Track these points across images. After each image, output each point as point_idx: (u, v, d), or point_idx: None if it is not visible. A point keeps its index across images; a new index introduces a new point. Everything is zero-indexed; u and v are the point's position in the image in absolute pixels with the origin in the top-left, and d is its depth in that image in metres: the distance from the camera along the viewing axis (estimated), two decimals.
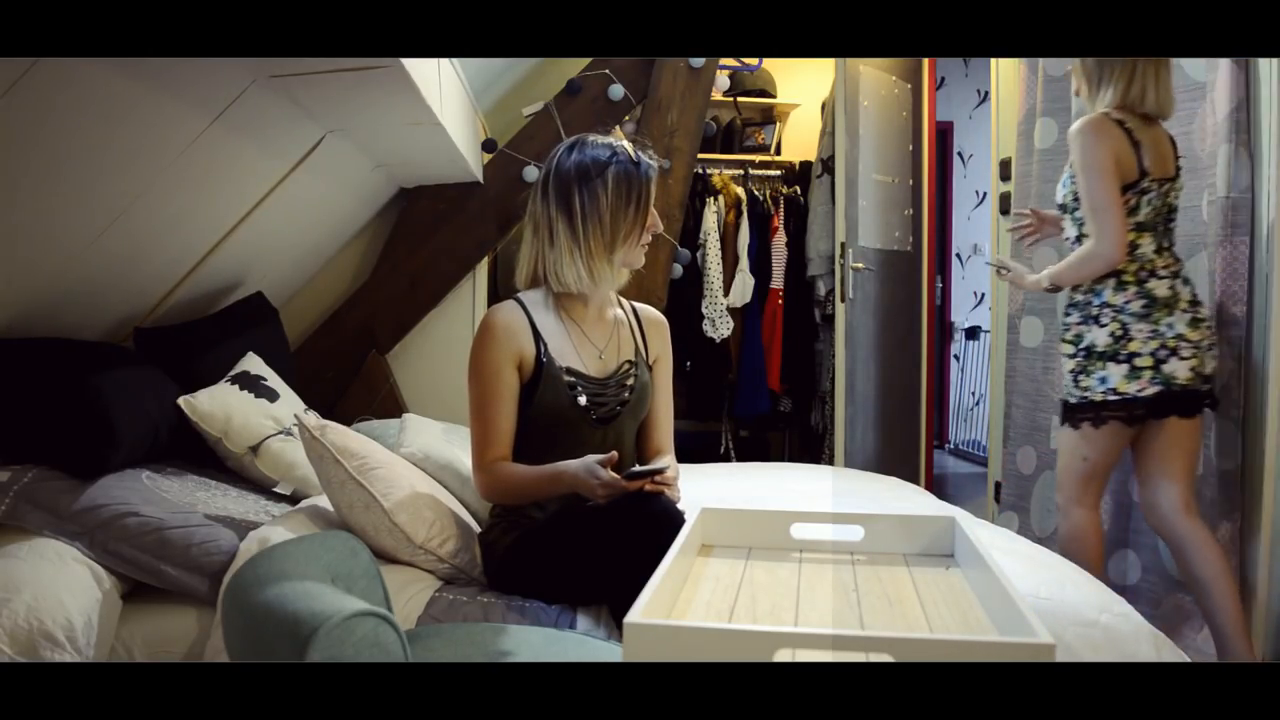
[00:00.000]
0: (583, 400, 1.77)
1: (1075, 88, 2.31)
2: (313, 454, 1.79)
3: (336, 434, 1.80)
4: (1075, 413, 2.24)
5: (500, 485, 1.74)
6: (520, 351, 1.76)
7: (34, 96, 1.39)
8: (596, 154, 1.77)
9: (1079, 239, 2.25)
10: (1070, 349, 2.25)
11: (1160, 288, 2.16)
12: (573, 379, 1.78)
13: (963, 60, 5.79)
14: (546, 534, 1.72)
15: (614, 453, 1.64)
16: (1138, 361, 2.13)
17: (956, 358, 6.01)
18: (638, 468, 1.64)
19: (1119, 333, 2.15)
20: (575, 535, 1.68)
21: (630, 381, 1.85)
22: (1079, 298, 2.25)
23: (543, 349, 1.77)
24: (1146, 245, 2.19)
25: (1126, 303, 2.16)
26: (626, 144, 1.81)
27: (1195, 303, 2.19)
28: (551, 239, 1.77)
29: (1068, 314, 2.30)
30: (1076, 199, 2.22)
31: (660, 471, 1.63)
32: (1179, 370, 2.12)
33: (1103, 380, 2.17)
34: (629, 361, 1.87)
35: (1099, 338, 2.18)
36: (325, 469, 1.77)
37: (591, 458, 1.65)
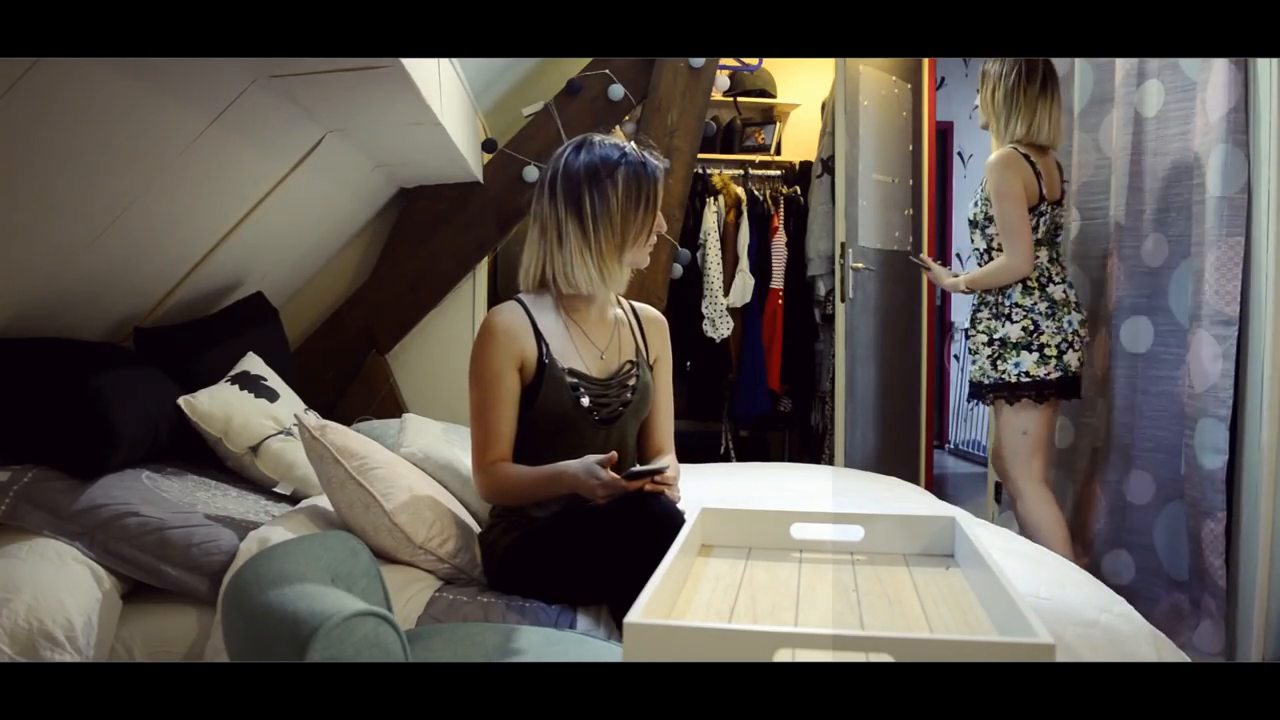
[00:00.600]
0: (585, 401, 1.77)
1: (982, 122, 2.69)
2: (313, 454, 1.79)
3: (336, 434, 1.80)
4: (990, 391, 2.64)
5: (500, 486, 1.74)
6: (522, 354, 1.75)
7: (34, 96, 1.39)
8: (606, 154, 1.76)
9: (987, 251, 2.65)
10: (984, 338, 2.65)
11: (1058, 291, 2.58)
12: (575, 380, 1.78)
13: (963, 60, 5.79)
14: (546, 534, 1.72)
15: (613, 453, 1.64)
16: (1046, 351, 2.56)
17: (956, 358, 6.00)
18: (638, 468, 1.64)
19: (1030, 328, 2.57)
20: (575, 535, 1.68)
21: (632, 382, 1.85)
22: (990, 298, 2.65)
23: (545, 350, 1.77)
24: (1043, 256, 2.60)
25: (1034, 304, 2.58)
26: (633, 144, 1.81)
27: (1079, 305, 2.63)
28: (560, 240, 1.76)
29: (978, 310, 2.69)
30: (987, 218, 2.62)
31: (660, 471, 1.63)
32: (1073, 360, 2.57)
33: (1017, 365, 2.58)
34: (630, 362, 1.87)
35: (1012, 331, 2.59)
36: (325, 469, 1.77)
37: (591, 458, 1.65)
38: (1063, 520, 2.58)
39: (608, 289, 1.81)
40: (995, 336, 2.61)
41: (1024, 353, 2.56)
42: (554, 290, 1.82)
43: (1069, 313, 2.56)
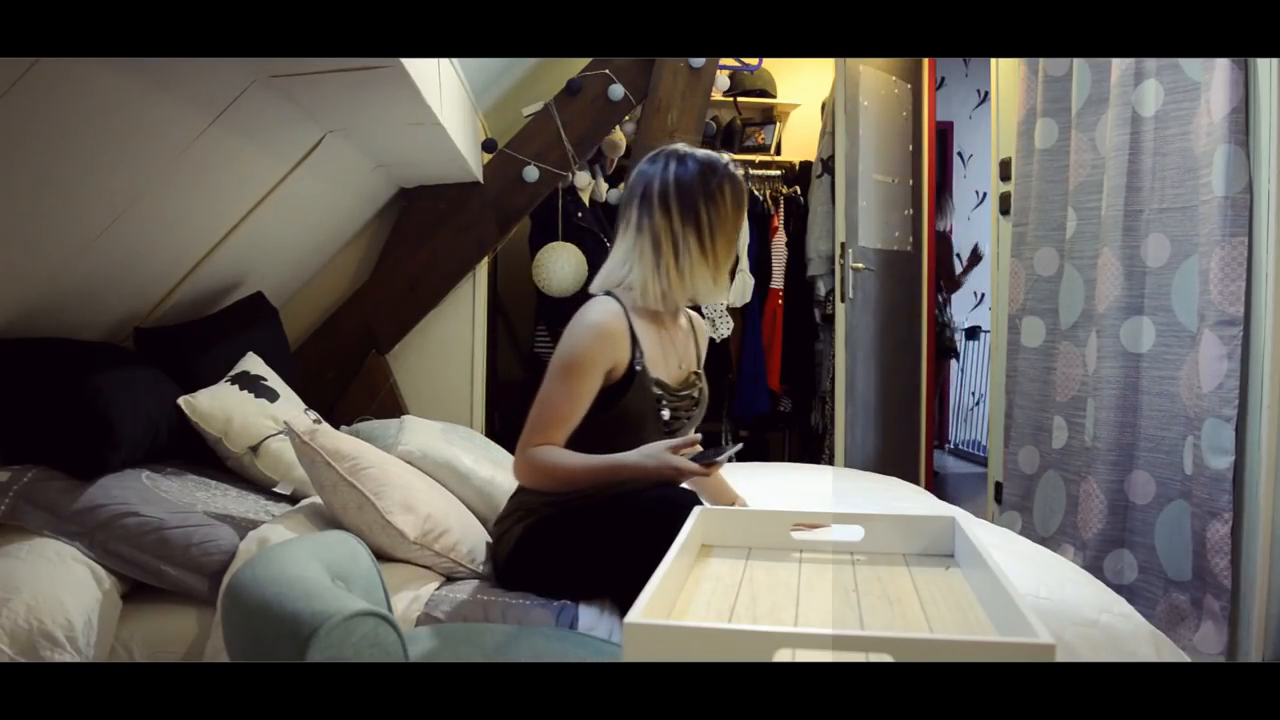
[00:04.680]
0: (666, 414, 1.77)
1: None
2: (304, 458, 1.79)
3: (327, 437, 1.80)
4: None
5: (545, 468, 1.67)
6: (617, 360, 1.72)
7: (34, 96, 1.39)
8: (710, 162, 1.77)
9: None
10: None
11: None
12: (660, 391, 1.77)
13: (963, 60, 5.79)
14: (557, 525, 1.72)
15: (693, 437, 1.68)
16: None
17: (957, 357, 6.00)
18: (713, 452, 1.65)
19: None
20: (587, 526, 1.68)
21: (696, 394, 1.86)
22: None
23: (637, 356, 1.75)
24: None
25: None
26: (728, 155, 1.83)
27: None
28: (677, 255, 1.74)
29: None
30: None
31: (734, 454, 1.66)
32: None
33: None
34: (695, 372, 1.88)
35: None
36: (317, 473, 1.77)
37: (660, 445, 1.65)
38: None
39: (720, 299, 1.81)
40: None
41: None
42: (672, 299, 1.79)
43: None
